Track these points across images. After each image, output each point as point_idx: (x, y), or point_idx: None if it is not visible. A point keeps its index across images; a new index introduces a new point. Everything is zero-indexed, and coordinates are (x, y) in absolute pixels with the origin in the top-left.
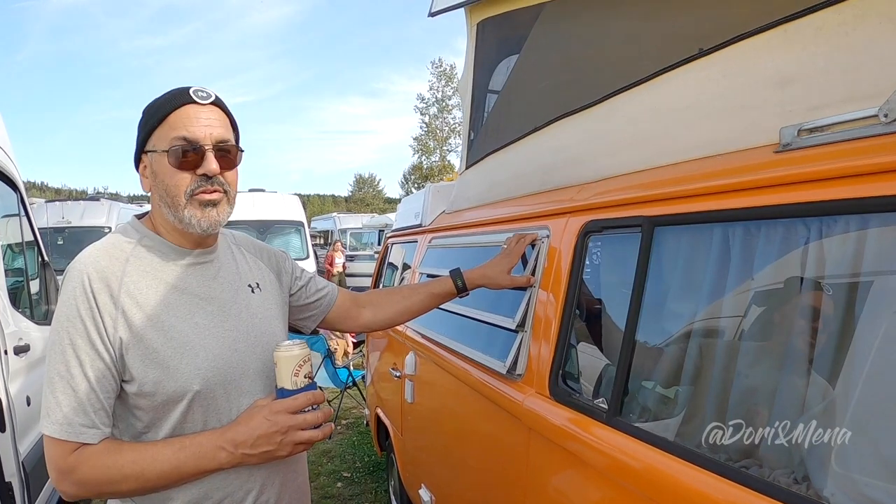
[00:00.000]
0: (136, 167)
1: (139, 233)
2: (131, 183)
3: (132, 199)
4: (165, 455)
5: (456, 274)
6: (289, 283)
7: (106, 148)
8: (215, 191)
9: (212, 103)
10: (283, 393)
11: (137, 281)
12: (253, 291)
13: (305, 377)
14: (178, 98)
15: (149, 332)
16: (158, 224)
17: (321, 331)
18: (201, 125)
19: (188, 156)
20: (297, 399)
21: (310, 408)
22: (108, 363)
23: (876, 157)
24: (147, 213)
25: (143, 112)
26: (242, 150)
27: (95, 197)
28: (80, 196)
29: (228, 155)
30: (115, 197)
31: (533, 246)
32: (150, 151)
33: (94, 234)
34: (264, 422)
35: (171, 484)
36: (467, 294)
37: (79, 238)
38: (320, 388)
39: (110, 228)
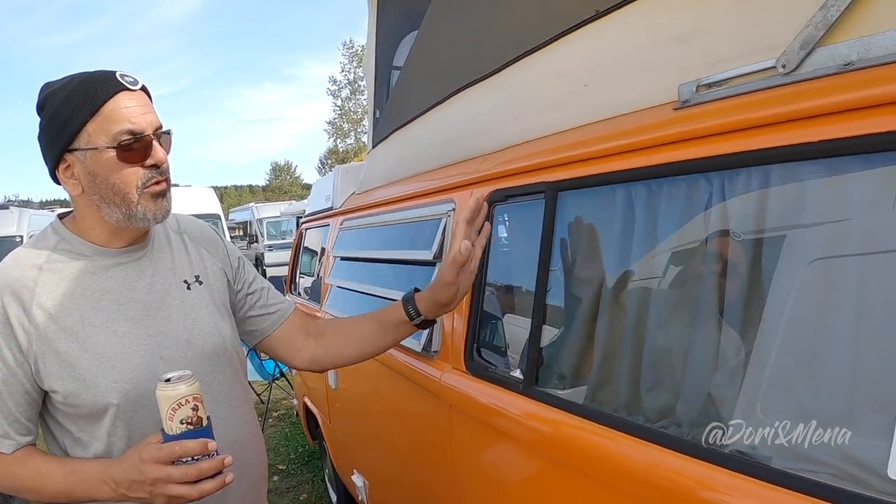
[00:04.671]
0: (53, 170)
1: (58, 236)
2: (43, 188)
3: (44, 205)
4: (58, 477)
5: (407, 298)
6: (234, 280)
7: (17, 153)
8: (164, 180)
9: (140, 88)
10: (164, 436)
11: (51, 290)
12: (189, 287)
13: (183, 423)
14: (109, 86)
15: (63, 343)
16: (88, 226)
17: None
18: (140, 113)
19: (135, 148)
20: (163, 450)
21: (189, 459)
22: (22, 378)
23: (775, 109)
24: (70, 212)
25: (57, 105)
26: (171, 133)
27: (5, 205)
28: None
29: (165, 140)
30: (26, 204)
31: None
32: (80, 149)
33: (5, 244)
34: (134, 467)
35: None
36: (428, 323)
37: None
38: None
39: (22, 237)
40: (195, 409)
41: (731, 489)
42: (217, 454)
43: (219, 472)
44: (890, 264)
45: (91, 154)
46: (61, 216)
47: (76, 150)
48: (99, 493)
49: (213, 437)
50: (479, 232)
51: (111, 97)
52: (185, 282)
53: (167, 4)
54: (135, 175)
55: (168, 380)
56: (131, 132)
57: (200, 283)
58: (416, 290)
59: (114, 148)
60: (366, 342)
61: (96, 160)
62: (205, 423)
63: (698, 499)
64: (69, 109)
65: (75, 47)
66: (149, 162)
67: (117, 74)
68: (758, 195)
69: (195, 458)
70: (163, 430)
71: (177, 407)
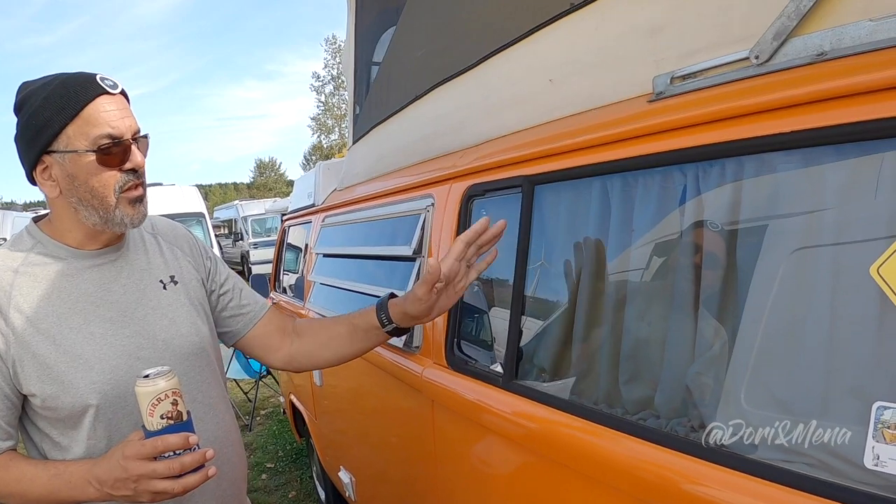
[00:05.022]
0: (31, 171)
1: (34, 239)
2: (27, 190)
3: (27, 207)
4: (42, 480)
5: (381, 305)
6: (207, 281)
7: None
8: (140, 184)
9: (119, 92)
10: (145, 433)
11: (27, 293)
12: (165, 287)
13: (164, 417)
14: (89, 89)
15: (40, 346)
16: (64, 228)
17: None
18: (119, 117)
19: (114, 152)
20: (145, 446)
21: (171, 453)
22: (1, 382)
23: (749, 99)
24: (46, 215)
25: (36, 106)
26: (148, 137)
27: None
28: None
29: (142, 144)
30: (9, 206)
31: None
32: (59, 152)
33: None
34: (117, 465)
35: None
36: (400, 331)
37: None
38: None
39: (5, 239)
40: (175, 403)
41: (712, 481)
42: (198, 448)
43: (201, 466)
44: (869, 253)
45: (70, 157)
46: (37, 219)
47: (55, 152)
48: (83, 494)
49: (193, 431)
50: (485, 257)
51: (92, 100)
52: (161, 282)
53: (146, 3)
54: (112, 179)
55: (146, 376)
56: (111, 136)
57: (176, 283)
58: (393, 294)
59: (93, 151)
60: (339, 346)
61: (75, 163)
62: (185, 417)
63: (681, 492)
64: (49, 111)
65: (54, 48)
66: (127, 166)
67: (97, 77)
68: (734, 186)
69: (178, 452)
70: (143, 426)
71: (156, 402)
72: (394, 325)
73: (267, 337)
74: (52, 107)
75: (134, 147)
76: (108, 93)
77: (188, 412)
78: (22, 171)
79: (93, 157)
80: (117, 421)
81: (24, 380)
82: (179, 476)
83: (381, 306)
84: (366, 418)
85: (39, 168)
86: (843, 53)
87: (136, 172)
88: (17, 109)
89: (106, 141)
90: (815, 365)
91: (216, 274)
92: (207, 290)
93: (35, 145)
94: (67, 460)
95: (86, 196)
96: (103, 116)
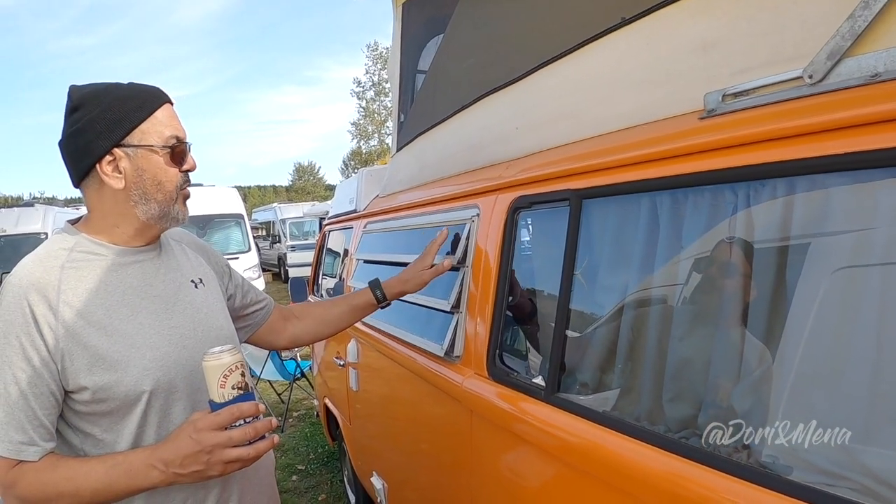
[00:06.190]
0: (93, 166)
1: (74, 237)
2: (68, 187)
3: (68, 203)
4: (98, 473)
5: (375, 285)
6: (227, 286)
7: (39, 152)
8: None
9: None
10: (213, 406)
11: (75, 287)
12: (196, 287)
13: (235, 388)
14: (159, 95)
15: (92, 337)
16: (109, 224)
17: None
18: (180, 124)
19: (178, 152)
20: (220, 415)
21: (241, 422)
22: (48, 379)
23: (802, 119)
24: (80, 217)
25: (107, 104)
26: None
27: (30, 203)
28: (14, 203)
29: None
30: (50, 201)
31: (458, 240)
32: (133, 146)
33: (31, 240)
34: (189, 440)
35: (107, 501)
36: (388, 304)
37: (15, 245)
38: (262, 396)
39: (46, 234)
40: (243, 374)
41: (753, 502)
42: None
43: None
44: None
45: (143, 151)
46: (72, 222)
47: (128, 145)
48: (146, 480)
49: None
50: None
51: (161, 105)
52: (192, 282)
53: (186, 7)
54: (175, 176)
55: (213, 352)
56: (177, 138)
57: (204, 284)
58: (377, 280)
59: (166, 148)
60: (338, 322)
61: (147, 158)
62: (251, 388)
63: None
64: (126, 108)
65: (95, 49)
66: (185, 167)
67: (162, 90)
68: (783, 205)
69: (247, 420)
70: (211, 401)
71: (228, 374)
72: (387, 300)
73: (276, 322)
74: (128, 105)
75: (190, 152)
76: (170, 102)
77: (251, 384)
78: (63, 169)
79: (164, 153)
80: (167, 407)
81: (72, 374)
82: (250, 442)
83: (376, 286)
84: (401, 425)
85: (106, 160)
86: None
87: (189, 174)
88: (74, 110)
89: (174, 141)
90: (863, 386)
91: (233, 277)
92: (227, 293)
93: (108, 138)
94: (123, 451)
95: (151, 189)
96: (170, 120)
